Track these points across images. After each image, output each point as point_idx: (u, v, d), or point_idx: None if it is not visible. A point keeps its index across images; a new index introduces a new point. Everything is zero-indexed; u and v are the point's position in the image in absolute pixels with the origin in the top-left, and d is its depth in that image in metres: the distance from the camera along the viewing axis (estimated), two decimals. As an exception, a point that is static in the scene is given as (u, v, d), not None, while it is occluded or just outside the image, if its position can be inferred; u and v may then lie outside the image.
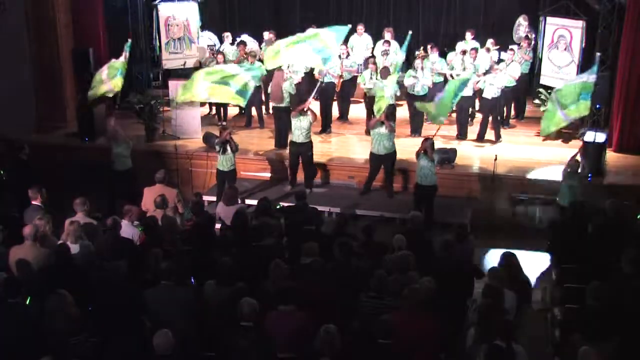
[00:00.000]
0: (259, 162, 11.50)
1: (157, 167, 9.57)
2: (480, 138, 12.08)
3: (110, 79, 10.76)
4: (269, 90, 12.43)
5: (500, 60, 12.72)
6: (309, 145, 10.63)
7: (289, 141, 10.93)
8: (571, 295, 6.84)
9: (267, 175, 11.40)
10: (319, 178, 11.11)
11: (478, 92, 12.61)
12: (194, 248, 7.39)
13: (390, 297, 6.09)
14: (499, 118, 12.24)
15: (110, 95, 11.10)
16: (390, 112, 11.44)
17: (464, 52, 12.43)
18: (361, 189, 10.75)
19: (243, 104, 10.18)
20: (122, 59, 10.85)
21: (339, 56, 12.88)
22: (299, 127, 10.45)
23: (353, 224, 8.64)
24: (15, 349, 5.47)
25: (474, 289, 6.99)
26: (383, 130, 10.16)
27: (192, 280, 6.57)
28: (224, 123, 12.95)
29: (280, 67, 12.45)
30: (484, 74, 12.18)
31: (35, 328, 5.61)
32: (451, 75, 12.46)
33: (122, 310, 5.89)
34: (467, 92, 12.05)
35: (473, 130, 12.45)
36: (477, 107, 13.33)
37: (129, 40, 11.17)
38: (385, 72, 11.57)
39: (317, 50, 9.88)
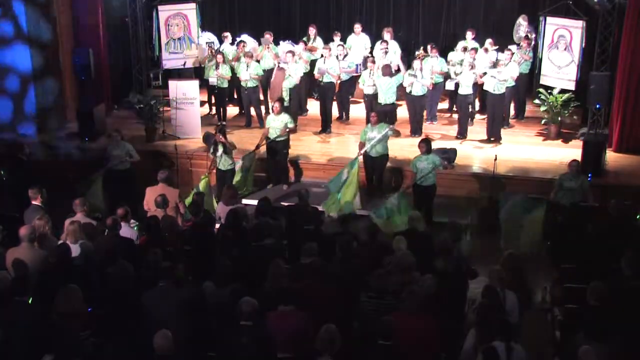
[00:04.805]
0: (259, 162, 11.50)
1: (157, 167, 9.57)
2: (489, 136, 12.06)
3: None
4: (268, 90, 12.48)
5: (498, 60, 12.71)
6: (283, 143, 10.81)
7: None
8: (571, 295, 6.84)
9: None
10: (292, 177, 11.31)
11: (479, 91, 12.61)
12: (194, 248, 7.39)
13: (390, 297, 6.08)
14: (502, 117, 12.22)
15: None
16: (391, 110, 11.46)
17: (465, 49, 12.41)
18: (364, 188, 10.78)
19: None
20: None
21: (337, 57, 12.89)
22: (272, 127, 10.72)
23: (353, 224, 8.63)
24: (22, 347, 5.48)
25: (468, 289, 7.00)
26: (375, 134, 10.19)
27: (192, 280, 6.57)
28: (224, 123, 12.97)
29: (280, 66, 12.49)
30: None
31: (41, 326, 5.62)
32: (452, 73, 12.45)
33: (124, 311, 5.89)
34: (467, 90, 12.07)
35: (473, 130, 12.46)
36: (477, 108, 13.35)
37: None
38: (386, 70, 11.55)
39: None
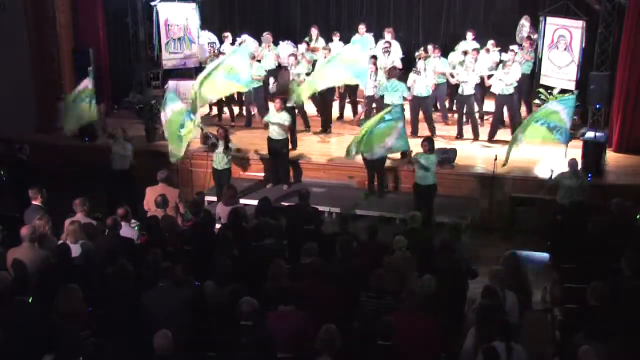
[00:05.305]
0: (259, 162, 11.52)
1: (157, 167, 9.57)
2: (492, 137, 12.03)
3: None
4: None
5: (501, 61, 12.70)
6: (283, 143, 10.81)
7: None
8: (571, 295, 6.84)
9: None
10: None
11: (480, 92, 12.57)
12: (194, 248, 7.39)
13: (390, 297, 6.09)
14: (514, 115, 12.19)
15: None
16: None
17: (465, 53, 12.40)
18: (364, 189, 10.78)
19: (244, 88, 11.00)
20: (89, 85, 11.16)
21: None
22: (272, 123, 10.71)
23: (353, 224, 8.64)
24: (22, 347, 5.48)
25: (468, 289, 7.00)
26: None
27: (193, 280, 6.57)
28: (233, 124, 13.00)
29: (286, 67, 12.49)
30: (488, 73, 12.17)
31: (41, 326, 5.63)
32: (451, 74, 12.44)
33: (124, 311, 5.90)
34: (469, 90, 12.04)
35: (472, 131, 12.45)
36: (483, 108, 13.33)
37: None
38: (392, 72, 11.50)
39: (347, 68, 10.38)
